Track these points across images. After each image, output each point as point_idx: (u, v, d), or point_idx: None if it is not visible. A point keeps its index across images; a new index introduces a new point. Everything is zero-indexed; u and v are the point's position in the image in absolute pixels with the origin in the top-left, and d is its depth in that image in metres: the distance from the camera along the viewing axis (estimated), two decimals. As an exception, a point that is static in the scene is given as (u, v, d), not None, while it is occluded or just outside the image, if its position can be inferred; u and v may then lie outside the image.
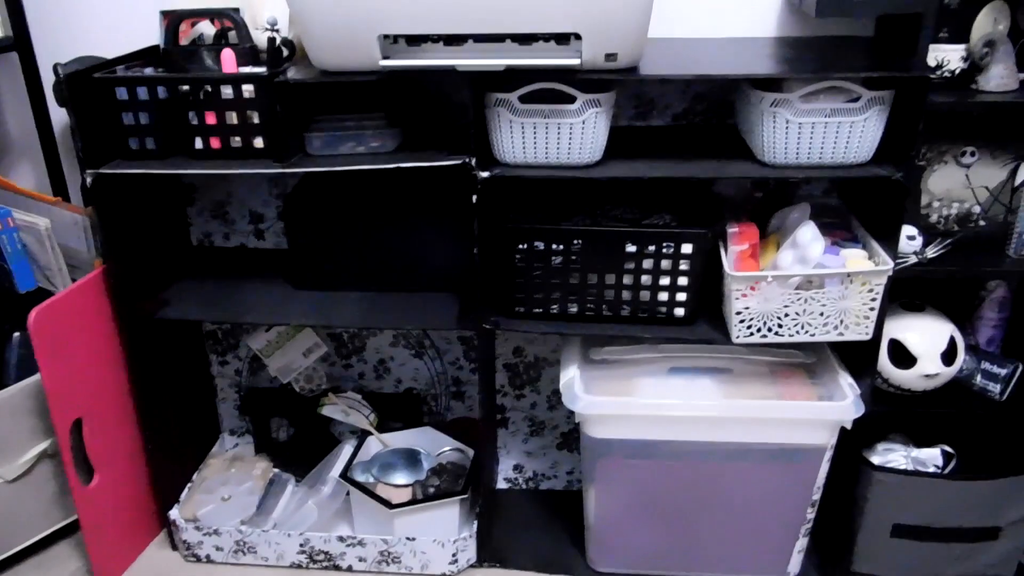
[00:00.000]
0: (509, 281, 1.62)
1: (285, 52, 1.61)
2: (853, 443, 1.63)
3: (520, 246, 1.58)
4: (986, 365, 1.65)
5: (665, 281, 1.58)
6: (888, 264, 1.47)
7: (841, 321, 1.52)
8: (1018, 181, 1.56)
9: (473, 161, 1.50)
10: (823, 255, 1.49)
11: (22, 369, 1.84)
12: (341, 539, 1.80)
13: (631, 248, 1.56)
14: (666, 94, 1.74)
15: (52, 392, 1.62)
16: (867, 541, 1.68)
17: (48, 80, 1.82)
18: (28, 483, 1.81)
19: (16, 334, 1.87)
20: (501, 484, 2.09)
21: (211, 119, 1.55)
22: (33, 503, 1.85)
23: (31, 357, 1.63)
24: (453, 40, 1.43)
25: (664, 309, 1.61)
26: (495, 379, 1.99)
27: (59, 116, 1.87)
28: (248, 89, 1.52)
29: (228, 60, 1.57)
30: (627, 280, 1.59)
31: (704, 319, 1.63)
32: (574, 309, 1.63)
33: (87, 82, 1.54)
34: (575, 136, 1.48)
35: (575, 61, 1.40)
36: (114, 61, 1.63)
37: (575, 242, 1.57)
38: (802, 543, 1.71)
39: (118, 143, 1.59)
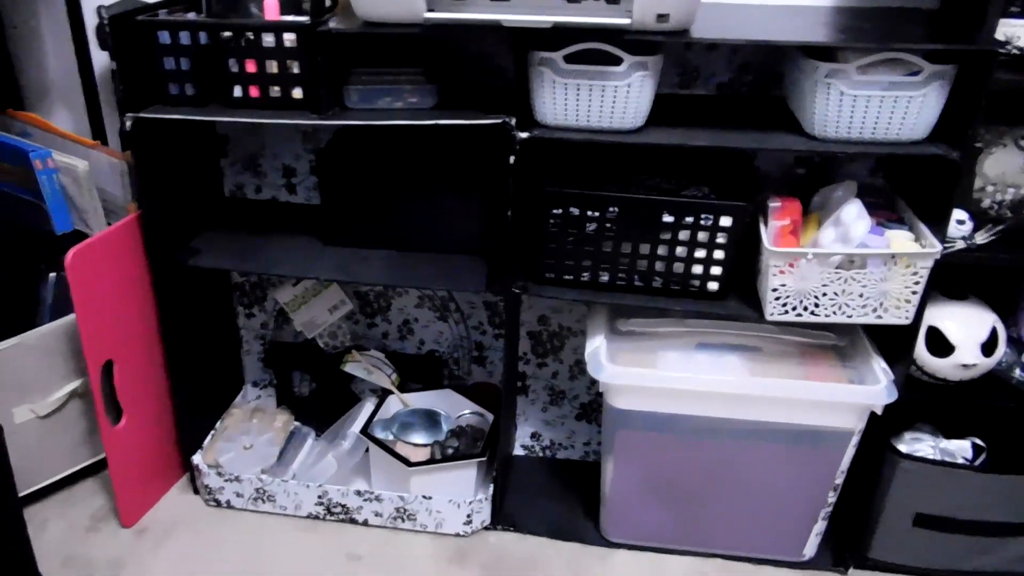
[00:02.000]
0: (540, 246, 1.46)
1: (327, 2, 1.47)
2: (881, 429, 1.45)
3: (555, 211, 1.42)
4: (1026, 359, 1.47)
5: (700, 254, 1.41)
6: (936, 247, 1.29)
7: (880, 304, 1.34)
8: (1077, 169, 1.37)
9: (513, 121, 1.34)
10: (867, 235, 1.31)
11: (56, 310, 1.73)
12: (358, 493, 1.66)
13: (668, 218, 1.39)
14: (712, 62, 1.55)
15: (85, 333, 1.51)
16: (887, 529, 1.51)
17: (91, 23, 1.68)
18: (58, 420, 1.70)
19: (52, 275, 1.75)
20: (518, 450, 1.92)
21: (251, 67, 1.42)
22: (62, 440, 1.74)
23: (65, 298, 1.52)
24: (499, -6, 1.26)
25: (697, 282, 1.44)
26: (519, 346, 1.83)
27: (100, 60, 1.73)
28: (290, 38, 1.39)
29: (271, 8, 1.42)
30: (661, 251, 1.42)
31: (736, 295, 1.46)
32: (605, 278, 1.47)
33: (130, 25, 1.41)
34: (619, 99, 1.31)
35: (625, 20, 1.23)
36: (156, 5, 1.49)
37: (611, 209, 1.40)
38: (820, 526, 1.55)
39: (158, 88, 1.46)
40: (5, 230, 1.78)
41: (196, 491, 1.77)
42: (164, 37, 1.43)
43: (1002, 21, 1.22)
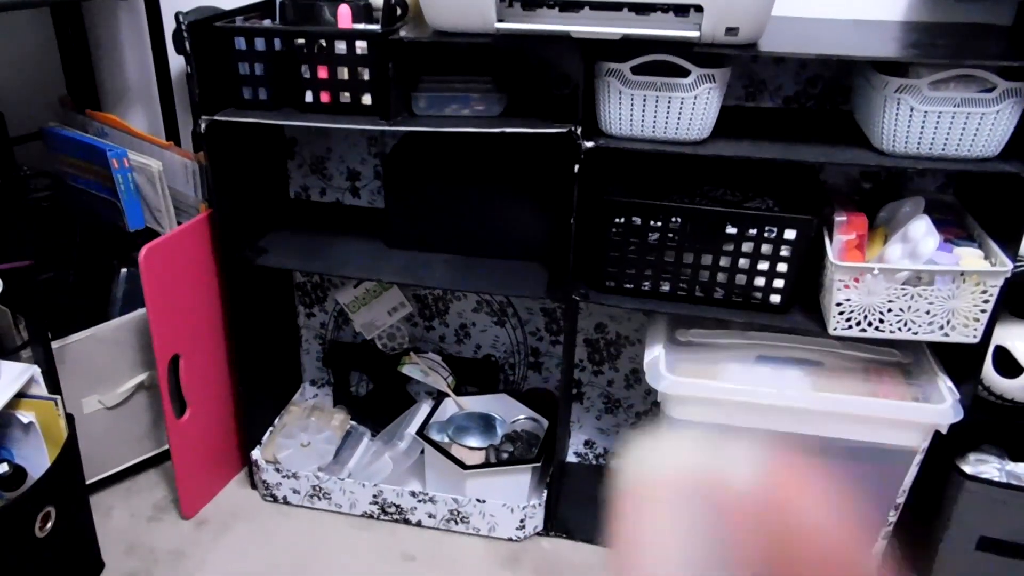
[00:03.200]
0: (602, 254, 1.54)
1: (399, 11, 1.57)
2: (945, 450, 1.50)
3: (617, 220, 1.50)
4: (1097, 382, 1.50)
5: (763, 266, 1.48)
6: (1007, 266, 1.34)
7: (948, 322, 1.40)
8: None
9: (579, 130, 1.43)
10: (935, 251, 1.37)
11: (127, 304, 1.87)
12: (413, 494, 1.76)
13: (731, 230, 1.46)
14: (779, 75, 1.62)
15: (155, 327, 1.64)
16: (950, 551, 1.56)
17: (169, 28, 1.81)
18: (125, 411, 1.84)
19: (124, 270, 1.89)
20: (571, 457, 2.01)
21: (323, 73, 1.52)
22: (128, 431, 1.87)
23: (136, 293, 1.65)
24: (569, 6, 1.34)
25: (759, 295, 1.51)
26: (575, 352, 1.92)
27: (176, 64, 1.86)
28: (361, 45, 1.49)
29: (344, 16, 1.53)
30: (724, 262, 1.49)
31: (799, 309, 1.52)
32: (666, 288, 1.54)
33: (207, 31, 1.53)
34: (685, 111, 1.38)
35: (694, 33, 1.30)
36: (232, 12, 1.61)
37: (674, 219, 1.48)
38: (880, 546, 1.60)
39: (232, 92, 1.58)
40: (84, 225, 1.93)
41: (254, 486, 1.89)
42: (240, 43, 1.54)
43: (1079, 38, 1.28)
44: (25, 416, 1.52)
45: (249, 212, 1.78)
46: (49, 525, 1.48)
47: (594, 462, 2.01)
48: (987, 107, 1.29)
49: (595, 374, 1.96)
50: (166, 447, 1.83)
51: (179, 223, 1.79)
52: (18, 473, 1.49)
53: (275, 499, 1.86)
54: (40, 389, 1.56)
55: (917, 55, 1.32)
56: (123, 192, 1.79)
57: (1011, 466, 1.54)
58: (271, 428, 1.95)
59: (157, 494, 1.89)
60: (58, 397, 1.55)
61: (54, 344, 1.66)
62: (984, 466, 1.54)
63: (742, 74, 1.63)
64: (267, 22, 1.63)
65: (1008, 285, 1.35)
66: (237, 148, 1.69)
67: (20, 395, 1.51)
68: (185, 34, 1.50)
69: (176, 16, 1.66)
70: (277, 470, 1.82)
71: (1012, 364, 1.45)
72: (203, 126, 1.55)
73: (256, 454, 1.86)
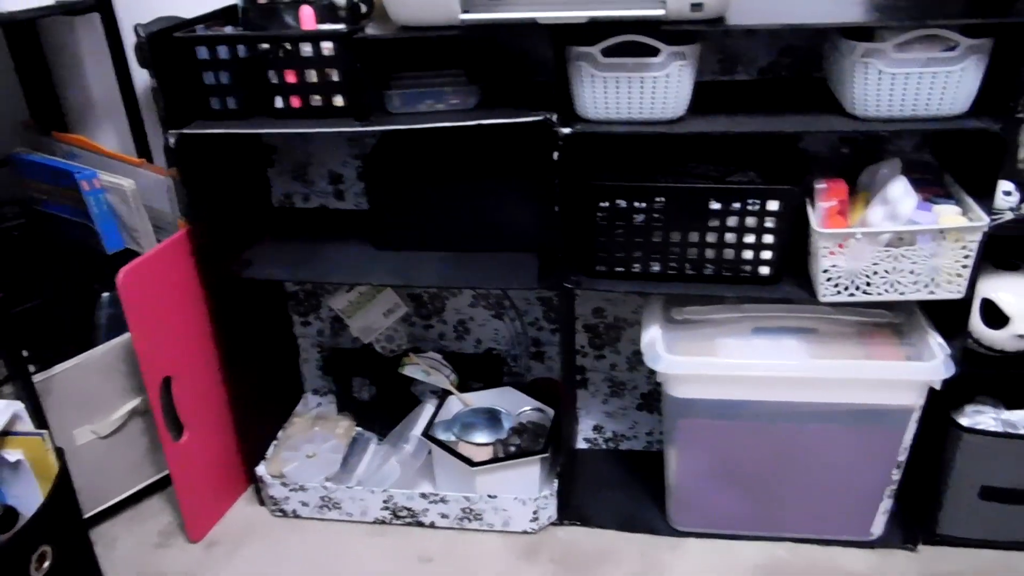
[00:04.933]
0: (590, 240, 1.69)
1: (363, 8, 1.67)
2: (941, 404, 1.67)
3: (602, 204, 1.64)
4: (1085, 325, 1.67)
5: (750, 239, 1.63)
6: (983, 220, 1.50)
7: (932, 279, 1.56)
8: (1124, 134, 1.57)
9: (555, 117, 1.55)
10: (915, 211, 1.52)
11: (112, 328, 1.96)
12: (424, 496, 1.90)
13: (716, 206, 1.61)
14: (751, 47, 1.76)
15: (141, 351, 1.73)
16: (954, 503, 1.73)
17: (129, 41, 1.90)
18: (120, 439, 1.94)
19: (105, 294, 1.99)
20: (581, 444, 2.17)
21: (291, 77, 1.61)
22: (125, 459, 1.98)
23: (120, 317, 1.73)
24: (534, -8, 1.45)
25: (749, 268, 1.66)
26: (575, 339, 2.07)
27: (141, 77, 1.96)
28: (327, 46, 1.57)
29: (307, 17, 1.62)
30: (711, 238, 1.64)
31: (789, 278, 1.67)
32: (656, 268, 1.69)
33: (168, 42, 1.60)
34: (659, 90, 1.51)
35: (660, 11, 1.41)
36: (193, 21, 1.69)
37: (658, 199, 1.62)
38: (887, 504, 1.77)
39: (200, 103, 1.66)
40: (59, 252, 2.03)
41: (262, 502, 2.02)
42: (202, 52, 1.62)
43: (1037, -7, 1.42)
44: (12, 455, 1.59)
45: (231, 224, 1.89)
46: (47, 564, 1.55)
47: (604, 447, 2.17)
48: (951, 65, 1.43)
49: (597, 359, 2.12)
50: (168, 471, 1.91)
51: (159, 241, 1.87)
52: (8, 514, 1.55)
53: (284, 514, 1.99)
54: (26, 425, 1.63)
55: (881, 18, 1.46)
56: (96, 214, 1.89)
57: (1007, 415, 1.70)
58: (275, 442, 2.08)
59: (162, 520, 2.00)
60: (45, 432, 1.63)
61: (39, 376, 1.75)
62: (980, 417, 1.71)
63: (715, 49, 1.77)
64: (229, 29, 1.69)
65: (987, 238, 1.51)
66: (212, 160, 1.79)
67: (5, 433, 1.58)
68: (146, 47, 1.58)
69: (135, 28, 1.74)
70: (284, 484, 1.95)
71: (999, 315, 1.61)
72: (172, 141, 1.63)
73: (261, 470, 1.99)
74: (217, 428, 1.98)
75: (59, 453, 1.66)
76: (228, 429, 2.01)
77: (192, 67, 1.64)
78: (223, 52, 1.63)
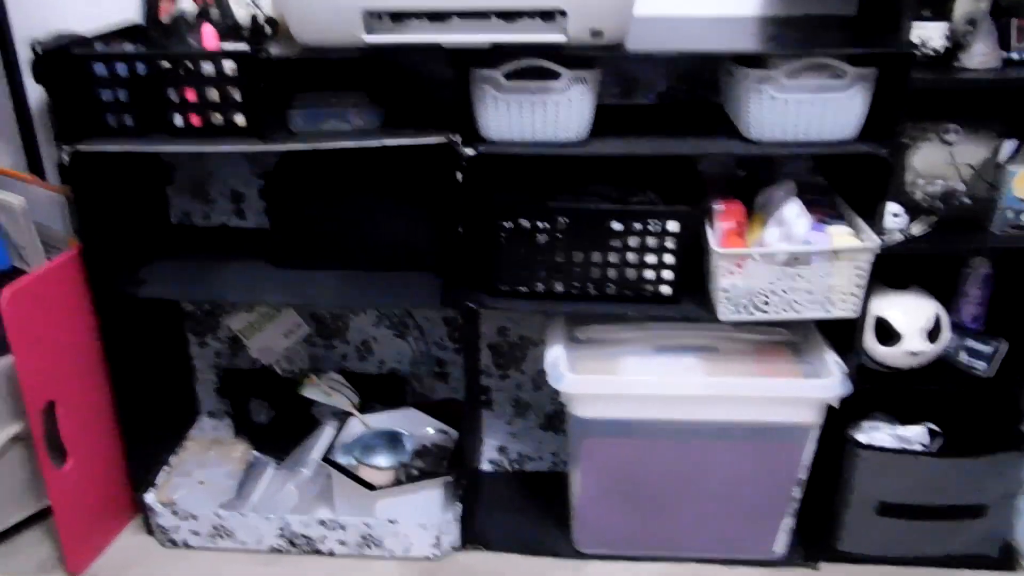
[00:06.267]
0: (493, 259, 1.72)
1: (268, 30, 1.69)
2: (838, 421, 1.74)
3: (505, 224, 1.68)
4: (971, 343, 1.76)
5: (651, 259, 1.68)
6: (874, 241, 1.58)
7: (827, 298, 1.63)
8: (1001, 158, 1.67)
9: (458, 138, 1.59)
10: (809, 232, 1.60)
11: None
12: (322, 522, 1.89)
13: (617, 226, 1.66)
14: (650, 72, 1.84)
15: (24, 374, 1.69)
16: (853, 520, 1.80)
17: (24, 56, 1.86)
18: None
19: None
20: (485, 466, 2.19)
21: (191, 96, 1.62)
22: (3, 489, 1.91)
23: (2, 338, 1.68)
24: (437, 16, 1.50)
25: (650, 287, 1.71)
26: (479, 359, 2.09)
27: (36, 93, 1.94)
28: (230, 66, 1.59)
29: (209, 36, 1.64)
30: (612, 258, 1.69)
31: (689, 298, 1.73)
32: (559, 288, 1.73)
33: (65, 58, 1.60)
34: (561, 113, 1.57)
35: (561, 37, 1.48)
36: (93, 38, 1.69)
37: (560, 220, 1.67)
38: (788, 522, 1.83)
39: (96, 120, 1.66)
40: None
41: (150, 531, 1.98)
42: (100, 69, 1.61)
43: (916, 24, 1.52)
44: None
45: (125, 243, 1.87)
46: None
47: (509, 468, 2.19)
48: (839, 92, 1.52)
49: (502, 378, 2.14)
50: (49, 503, 1.85)
51: (49, 259, 1.83)
52: None
53: (174, 543, 1.95)
54: None
55: (773, 48, 1.55)
56: (-18, 233, 1.86)
57: (901, 430, 1.79)
58: (166, 467, 2.05)
59: (41, 552, 1.94)
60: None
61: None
62: (876, 433, 1.79)
63: (615, 73, 1.84)
64: (129, 47, 1.70)
65: (878, 259, 1.59)
66: (107, 177, 1.78)
67: None
68: (40, 63, 1.57)
69: (32, 44, 1.74)
70: (174, 512, 1.91)
71: (891, 333, 1.69)
72: (65, 158, 1.62)
73: (150, 498, 1.95)
74: (104, 454, 1.94)
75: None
76: (116, 455, 1.97)
77: (89, 84, 1.63)
78: (121, 69, 1.63)
